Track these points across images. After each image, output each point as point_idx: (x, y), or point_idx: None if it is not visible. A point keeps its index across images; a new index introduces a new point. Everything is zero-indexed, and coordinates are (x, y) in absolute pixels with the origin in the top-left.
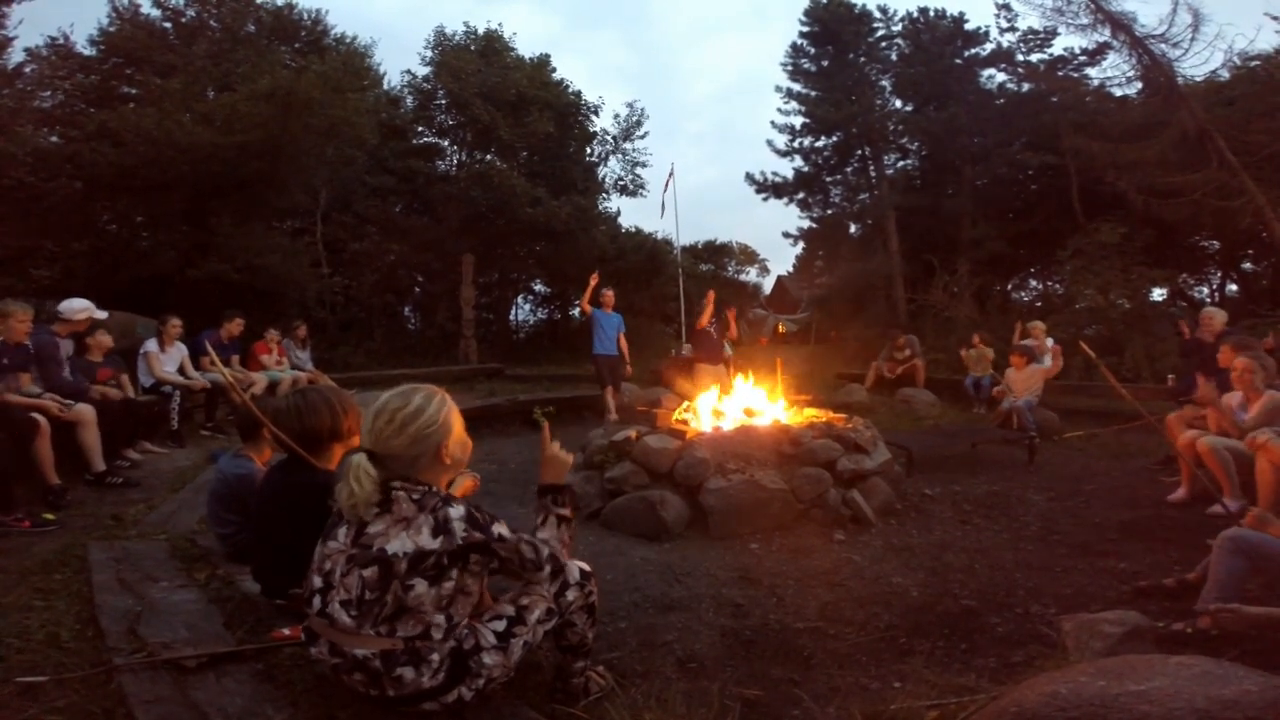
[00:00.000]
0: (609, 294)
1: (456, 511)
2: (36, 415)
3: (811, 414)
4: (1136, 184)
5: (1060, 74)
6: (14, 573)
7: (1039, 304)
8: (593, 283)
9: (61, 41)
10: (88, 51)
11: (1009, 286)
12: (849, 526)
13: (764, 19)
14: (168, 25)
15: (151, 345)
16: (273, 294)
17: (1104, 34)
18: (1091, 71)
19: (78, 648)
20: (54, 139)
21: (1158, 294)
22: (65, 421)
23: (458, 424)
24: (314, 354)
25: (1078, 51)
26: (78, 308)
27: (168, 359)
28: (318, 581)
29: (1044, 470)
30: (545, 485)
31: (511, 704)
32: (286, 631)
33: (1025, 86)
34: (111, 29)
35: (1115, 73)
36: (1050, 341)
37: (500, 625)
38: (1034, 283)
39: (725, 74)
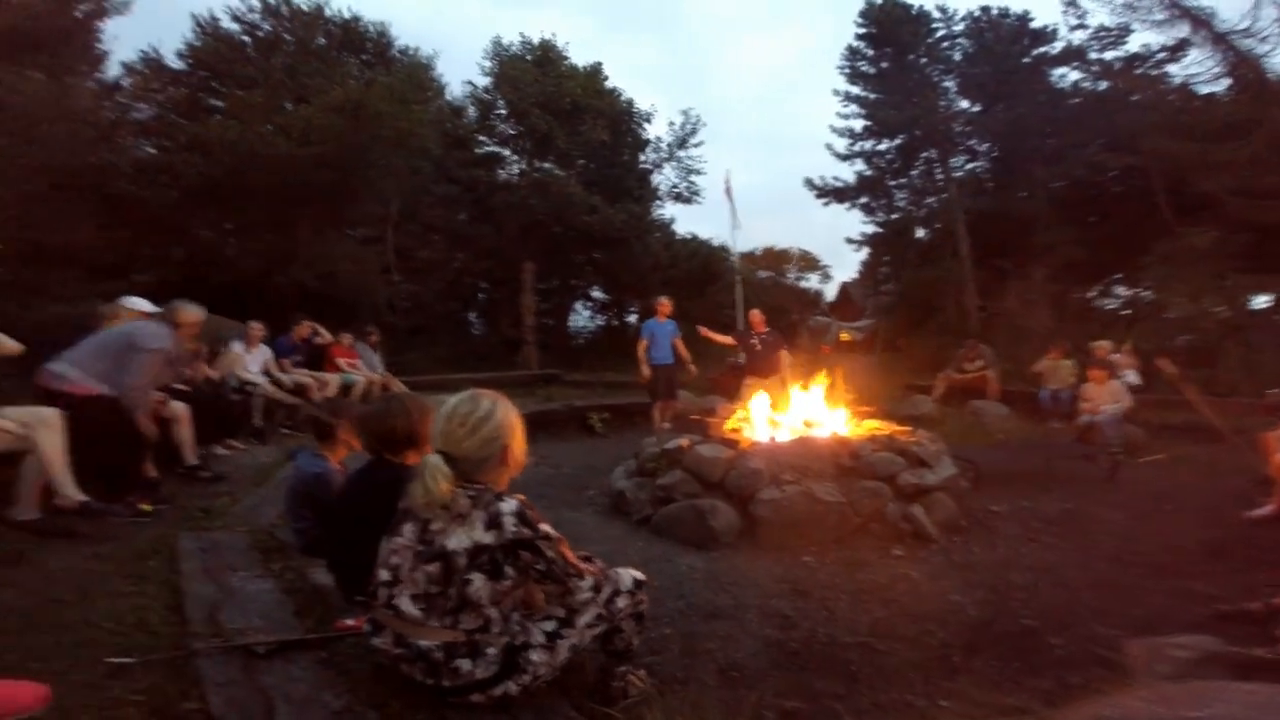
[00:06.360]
0: (665, 303)
1: (509, 506)
2: None
3: (873, 426)
4: (1229, 186)
5: (1138, 72)
6: (114, 559)
7: (1126, 311)
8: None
9: (153, 56)
10: (177, 65)
11: (1091, 294)
12: (908, 542)
13: (792, 17)
14: (246, 39)
15: (237, 347)
16: (347, 300)
17: (1182, 30)
18: (1173, 69)
19: (165, 632)
20: (150, 150)
21: (1262, 300)
22: (163, 418)
23: (519, 429)
24: (384, 358)
25: (1155, 48)
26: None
27: (251, 360)
28: (385, 575)
29: (1125, 488)
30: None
31: (553, 701)
32: (350, 622)
33: (1101, 85)
34: (197, 43)
35: (1199, 70)
36: (1116, 356)
37: (550, 625)
38: (1120, 289)
39: (758, 75)
